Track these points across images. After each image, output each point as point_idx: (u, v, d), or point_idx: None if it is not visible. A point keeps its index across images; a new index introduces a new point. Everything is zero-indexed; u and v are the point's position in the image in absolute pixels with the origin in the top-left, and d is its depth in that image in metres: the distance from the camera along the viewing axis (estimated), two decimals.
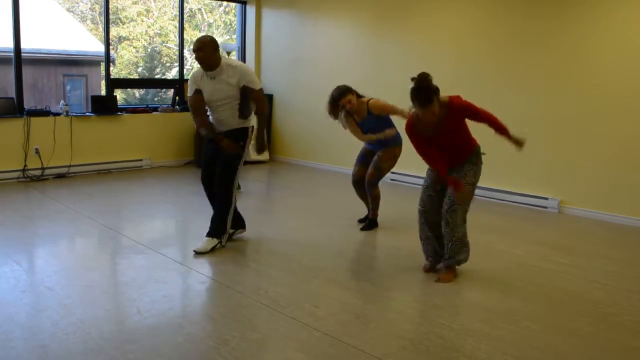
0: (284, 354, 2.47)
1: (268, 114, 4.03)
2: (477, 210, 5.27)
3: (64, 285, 3.23)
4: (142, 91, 11.74)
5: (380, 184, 4.53)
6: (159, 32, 12.99)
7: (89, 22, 12.60)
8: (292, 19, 7.85)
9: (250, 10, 8.30)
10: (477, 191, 5.76)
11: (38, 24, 10.10)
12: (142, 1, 12.90)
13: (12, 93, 6.43)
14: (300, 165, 7.78)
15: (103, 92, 8.10)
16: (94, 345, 2.50)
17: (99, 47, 10.95)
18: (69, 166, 6.54)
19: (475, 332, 2.73)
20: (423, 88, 3.07)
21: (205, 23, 13.72)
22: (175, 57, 12.03)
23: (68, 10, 12.10)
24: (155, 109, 7.48)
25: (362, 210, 4.77)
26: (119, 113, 7.02)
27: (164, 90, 11.28)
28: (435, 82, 3.13)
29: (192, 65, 9.81)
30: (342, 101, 4.23)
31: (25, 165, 6.24)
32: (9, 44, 6.32)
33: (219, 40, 12.67)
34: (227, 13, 13.29)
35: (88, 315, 2.81)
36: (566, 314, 3.00)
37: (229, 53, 8.03)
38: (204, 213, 4.30)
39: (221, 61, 3.71)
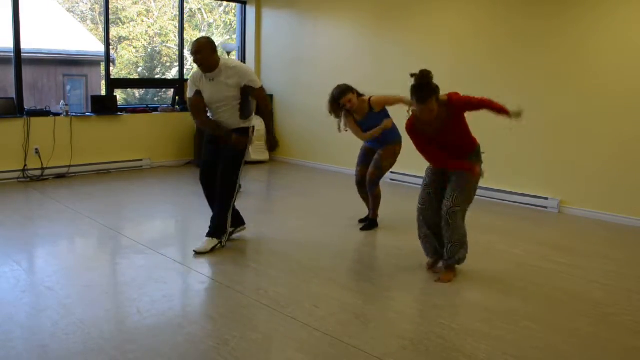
0: (284, 354, 2.47)
1: (268, 112, 4.03)
2: (477, 210, 5.27)
3: (64, 285, 3.23)
4: (142, 91, 11.74)
5: (381, 183, 4.53)
6: (159, 32, 12.99)
7: (89, 22, 12.60)
8: (292, 19, 7.85)
9: (250, 10, 8.30)
10: (477, 191, 5.78)
11: (38, 24, 10.10)
12: (142, 1, 12.90)
13: (12, 93, 6.44)
14: (300, 165, 7.78)
15: (103, 92, 8.10)
16: (94, 345, 2.50)
17: (99, 47, 10.94)
18: (69, 166, 6.54)
19: (475, 332, 2.73)
20: (423, 85, 3.08)
21: (205, 23, 13.72)
22: (175, 57, 12.03)
23: (68, 10, 12.10)
24: (155, 109, 7.48)
25: (362, 210, 4.77)
26: (119, 113, 7.02)
27: (164, 90, 11.28)
28: (435, 82, 3.15)
29: (192, 65, 9.80)
30: (342, 100, 4.23)
31: (25, 165, 6.25)
32: (9, 44, 6.32)
33: (219, 40, 12.74)
34: (227, 13, 13.29)
35: (88, 315, 2.81)
36: (566, 314, 3.00)
37: (229, 53, 8.03)
38: (204, 213, 4.30)
39: (220, 62, 3.70)
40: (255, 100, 3.88)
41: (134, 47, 12.76)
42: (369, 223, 4.59)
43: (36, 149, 6.30)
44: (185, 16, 8.03)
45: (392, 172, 6.14)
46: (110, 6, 6.99)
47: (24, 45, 6.35)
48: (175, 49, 10.21)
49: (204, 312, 3.00)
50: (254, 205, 5.35)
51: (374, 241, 4.38)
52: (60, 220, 4.63)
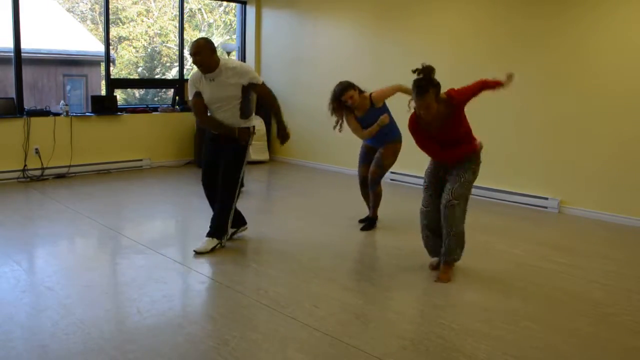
0: (284, 354, 2.47)
1: (275, 104, 3.99)
2: (477, 210, 5.28)
3: (64, 285, 3.23)
4: (142, 91, 11.74)
5: (381, 183, 4.53)
6: (159, 32, 12.99)
7: (89, 22, 12.60)
8: (292, 19, 7.85)
9: (250, 10, 8.30)
10: (477, 191, 5.77)
11: (38, 24, 10.10)
12: (142, 1, 12.90)
13: (12, 93, 6.43)
14: (300, 165, 7.78)
15: (103, 92, 8.10)
16: (94, 345, 2.50)
17: (99, 47, 10.95)
18: (69, 166, 6.54)
19: (475, 332, 2.73)
20: (423, 79, 3.09)
21: (205, 23, 13.72)
22: (175, 57, 12.03)
23: (68, 10, 12.10)
24: (155, 109, 7.48)
25: (362, 210, 4.76)
26: (119, 113, 7.02)
27: (164, 90, 11.28)
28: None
29: (192, 65, 9.79)
30: (344, 96, 4.23)
31: (25, 165, 6.25)
32: (9, 44, 6.32)
33: (219, 40, 12.73)
34: (227, 13, 13.29)
35: (88, 315, 2.81)
36: (566, 314, 3.00)
37: (229, 53, 8.03)
38: (204, 213, 4.30)
39: (220, 63, 3.70)
40: (260, 96, 3.88)
41: (134, 47, 12.77)
42: (369, 222, 4.59)
43: (36, 149, 6.30)
44: (185, 16, 8.03)
45: (392, 172, 6.15)
46: (110, 6, 6.98)
47: (24, 45, 6.35)
48: (175, 49, 10.21)
49: (204, 312, 3.00)
50: (254, 205, 5.34)
51: (374, 241, 4.38)
52: (60, 220, 4.63)
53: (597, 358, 2.55)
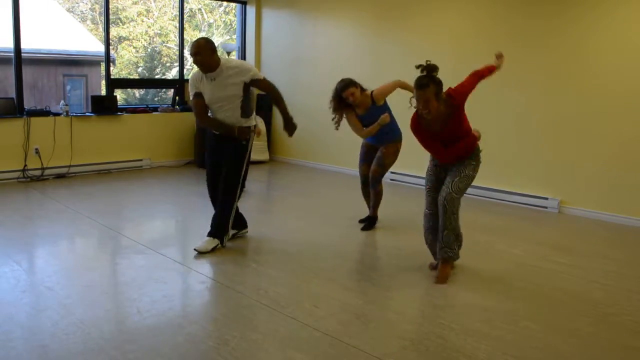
0: (284, 354, 2.47)
1: (278, 97, 4.02)
2: (477, 210, 5.28)
3: (64, 285, 3.23)
4: (142, 91, 11.75)
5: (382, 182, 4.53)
6: (159, 32, 13.00)
7: (89, 22, 12.61)
8: (292, 19, 7.85)
9: (250, 10, 8.30)
10: (477, 191, 5.77)
11: (38, 24, 10.10)
12: (142, 1, 12.90)
13: (12, 93, 6.43)
14: (300, 165, 7.78)
15: (103, 92, 8.10)
16: (94, 345, 2.50)
17: (99, 47, 10.95)
18: (69, 166, 6.54)
19: (475, 332, 2.73)
20: (426, 76, 3.12)
21: (205, 23, 13.72)
22: (175, 57, 12.04)
23: (68, 10, 12.10)
24: (155, 109, 7.47)
25: (363, 210, 4.76)
26: (119, 113, 7.01)
27: (164, 90, 11.29)
28: None
29: (192, 65, 9.80)
30: (345, 93, 4.23)
31: (25, 165, 6.25)
32: (9, 44, 6.32)
33: (219, 40, 12.73)
34: (227, 13, 13.30)
35: (88, 315, 2.81)
36: (566, 314, 3.00)
37: (229, 53, 8.03)
38: (204, 213, 4.30)
39: (220, 62, 3.70)
40: (264, 91, 3.90)
41: (134, 47, 12.77)
42: (369, 222, 4.59)
43: (36, 149, 6.30)
44: (185, 16, 8.03)
45: (392, 172, 6.15)
46: (110, 6, 6.98)
47: (24, 45, 6.35)
48: (175, 49, 10.22)
49: (204, 312, 3.00)
50: (254, 205, 5.34)
51: (374, 241, 4.38)
52: (60, 220, 4.63)
53: (597, 358, 2.55)
